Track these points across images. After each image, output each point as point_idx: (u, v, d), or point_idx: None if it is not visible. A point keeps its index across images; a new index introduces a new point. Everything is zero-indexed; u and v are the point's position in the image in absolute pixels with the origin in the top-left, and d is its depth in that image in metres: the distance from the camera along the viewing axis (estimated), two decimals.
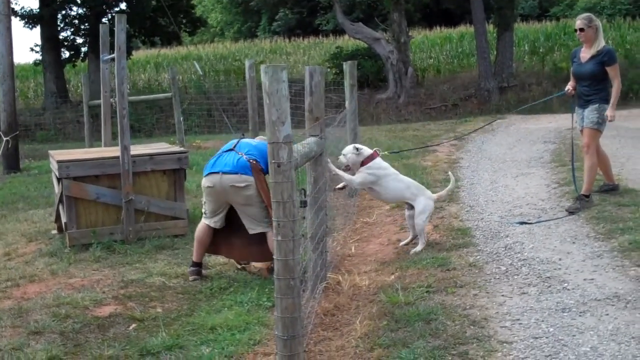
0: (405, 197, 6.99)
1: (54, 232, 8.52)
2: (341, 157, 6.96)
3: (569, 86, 8.17)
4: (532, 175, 10.14)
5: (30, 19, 27.79)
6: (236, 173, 6.24)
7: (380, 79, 26.59)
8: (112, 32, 8.68)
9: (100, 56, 9.99)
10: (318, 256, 5.70)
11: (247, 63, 15.26)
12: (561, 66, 25.44)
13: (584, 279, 5.57)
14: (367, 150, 6.92)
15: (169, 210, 8.19)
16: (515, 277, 5.76)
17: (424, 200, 6.91)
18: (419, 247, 6.79)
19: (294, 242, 4.16)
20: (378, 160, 6.92)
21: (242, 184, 6.21)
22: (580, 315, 4.83)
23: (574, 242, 6.59)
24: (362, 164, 6.84)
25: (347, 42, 34.51)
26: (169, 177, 8.24)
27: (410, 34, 26.39)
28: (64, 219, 7.96)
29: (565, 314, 4.89)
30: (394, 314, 5.12)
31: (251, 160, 6.29)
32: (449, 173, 7.66)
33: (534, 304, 5.12)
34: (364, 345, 4.69)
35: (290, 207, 4.13)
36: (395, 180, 6.95)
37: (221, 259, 7.22)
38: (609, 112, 7.78)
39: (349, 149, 6.96)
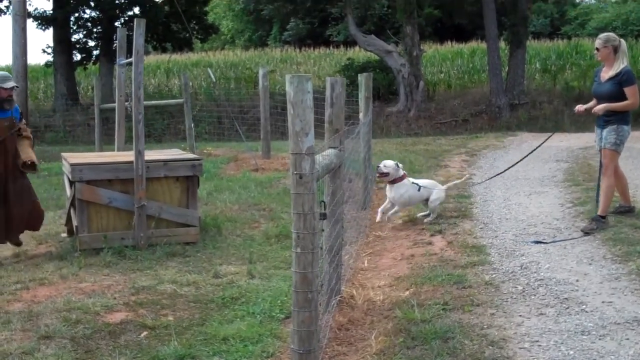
0: (424, 197, 8.65)
1: (64, 235, 8.48)
2: (382, 167, 8.55)
3: (589, 105, 8.11)
4: (546, 194, 10.06)
5: (43, 20, 27.84)
6: None
7: (391, 92, 26.58)
8: (128, 37, 8.64)
9: (117, 60, 9.97)
10: (333, 270, 5.63)
11: (260, 71, 15.26)
12: (573, 85, 25.43)
13: (602, 302, 5.49)
14: (400, 170, 8.60)
15: (181, 217, 8.14)
16: (533, 297, 5.69)
17: (437, 191, 8.68)
18: (430, 218, 8.64)
19: (313, 254, 4.12)
20: (407, 182, 8.59)
21: None
22: (600, 339, 4.76)
23: (590, 264, 6.51)
24: (395, 179, 8.51)
25: (357, 53, 34.54)
26: (182, 184, 8.20)
27: (422, 47, 26.36)
28: (75, 222, 7.92)
29: (584, 337, 4.81)
30: (410, 330, 5.04)
31: None
32: (466, 173, 9.23)
33: (553, 326, 5.04)
34: None
35: (310, 219, 4.08)
36: (414, 189, 8.58)
37: (233, 267, 7.18)
38: (596, 108, 7.85)
39: (391, 164, 8.60)
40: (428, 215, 8.71)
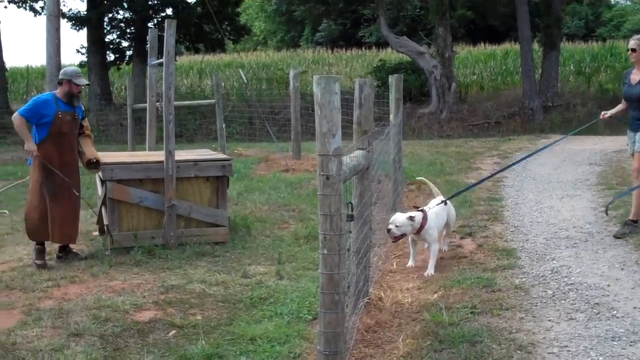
0: (443, 218, 7.26)
1: (96, 233, 8.56)
2: (393, 229, 6.68)
3: (617, 108, 7.98)
4: (578, 197, 9.96)
5: (77, 20, 28.13)
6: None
7: (423, 93, 26.47)
8: (159, 37, 8.70)
9: (148, 60, 10.04)
10: (361, 271, 5.62)
11: (291, 72, 15.29)
12: (607, 87, 25.13)
13: (634, 307, 5.42)
14: (419, 215, 6.77)
15: (211, 217, 8.17)
16: (563, 302, 5.63)
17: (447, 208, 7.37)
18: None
19: (339, 256, 4.11)
20: (431, 218, 6.86)
21: None
22: (630, 345, 4.70)
23: (622, 269, 6.43)
24: (420, 227, 6.76)
25: (389, 55, 34.46)
26: (212, 184, 8.23)
27: (454, 49, 26.22)
28: (106, 221, 7.98)
29: (615, 342, 4.75)
30: (438, 334, 5.02)
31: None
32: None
33: (583, 331, 4.99)
34: None
35: (337, 221, 4.08)
36: (440, 216, 7.12)
37: (261, 268, 7.19)
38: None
39: (402, 221, 6.69)
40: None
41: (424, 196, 10.29)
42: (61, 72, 7.70)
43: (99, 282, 6.70)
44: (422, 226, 6.75)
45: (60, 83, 7.53)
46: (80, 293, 6.33)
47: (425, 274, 6.69)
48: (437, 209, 7.05)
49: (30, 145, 7.27)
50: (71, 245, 7.76)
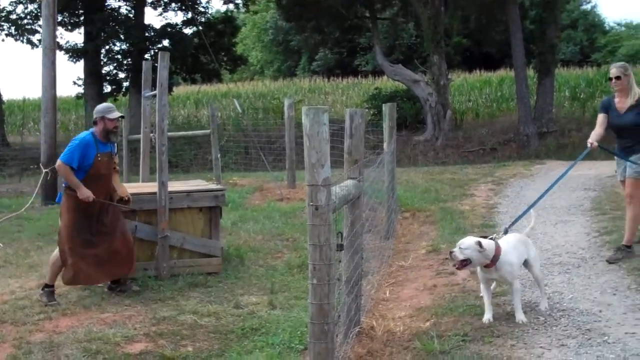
0: (523, 253, 6.13)
1: None
2: (458, 251, 5.80)
3: (591, 140, 7.75)
4: (572, 222, 9.96)
5: (74, 53, 28.31)
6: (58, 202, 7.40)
7: (419, 120, 26.59)
8: (154, 69, 8.75)
9: (142, 92, 10.08)
10: (352, 300, 5.61)
11: (286, 102, 15.35)
12: None
13: (625, 333, 5.41)
14: (490, 245, 5.80)
15: (204, 248, 8.17)
16: (554, 328, 5.62)
17: (532, 245, 6.29)
18: (546, 299, 6.20)
19: (329, 286, 4.12)
20: (505, 250, 5.87)
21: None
22: None
23: (614, 294, 6.42)
24: (495, 257, 5.76)
25: (385, 83, 34.65)
26: (205, 215, 8.24)
27: (449, 76, 26.36)
28: None
29: None
30: None
31: (64, 186, 7.17)
32: (531, 211, 6.80)
33: (573, 357, 4.98)
34: None
35: (326, 251, 4.09)
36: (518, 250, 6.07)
37: (254, 298, 7.18)
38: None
39: (469, 243, 5.77)
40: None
41: (418, 224, 10.31)
42: (94, 111, 7.42)
43: (90, 314, 6.69)
44: (496, 257, 5.77)
45: (95, 122, 7.31)
46: (71, 325, 6.32)
47: (517, 320, 5.81)
48: (513, 241, 6.09)
49: (84, 192, 7.02)
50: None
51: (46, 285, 7.24)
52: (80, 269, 7.13)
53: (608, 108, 7.83)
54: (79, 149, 7.08)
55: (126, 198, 7.52)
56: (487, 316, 5.83)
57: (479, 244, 5.69)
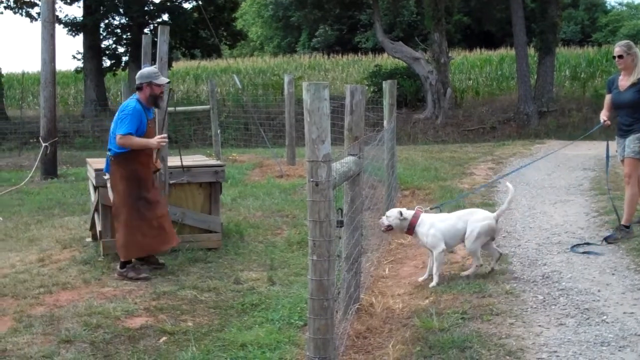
0: (462, 229, 6.60)
1: (89, 239, 8.55)
2: (384, 219, 6.71)
3: (604, 116, 7.92)
4: (571, 202, 9.98)
5: (73, 26, 28.19)
6: (106, 172, 7.24)
7: (419, 98, 26.52)
8: (154, 43, 8.70)
9: (142, 66, 10.01)
10: (352, 277, 5.62)
11: (286, 78, 15.32)
12: (602, 92, 25.07)
13: (624, 312, 5.43)
14: (409, 213, 6.66)
15: (204, 223, 8.17)
16: (553, 307, 5.64)
17: (474, 220, 6.60)
18: (470, 271, 6.65)
19: (329, 262, 4.11)
20: (424, 217, 6.66)
21: (107, 178, 7.23)
22: (619, 350, 4.70)
23: (613, 274, 6.44)
24: (411, 226, 6.61)
25: (385, 60, 34.52)
26: (205, 190, 8.23)
27: (450, 54, 26.27)
28: (99, 227, 7.98)
29: (604, 347, 4.76)
30: (428, 339, 5.03)
31: (110, 156, 7.06)
32: (507, 184, 7.15)
33: (572, 336, 5.00)
34: None
35: (327, 227, 4.09)
36: (447, 220, 6.69)
37: (254, 274, 7.20)
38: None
39: (393, 213, 6.68)
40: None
41: (417, 202, 10.30)
42: (138, 75, 7.21)
43: (90, 288, 6.70)
44: (412, 226, 6.60)
45: (139, 88, 7.11)
46: (71, 299, 6.33)
47: (430, 284, 6.41)
48: (444, 216, 6.81)
49: (153, 142, 6.97)
50: (65, 253, 7.73)
51: (122, 264, 7.13)
52: (136, 241, 7.06)
53: (611, 86, 7.87)
54: (134, 117, 6.92)
55: (159, 168, 7.51)
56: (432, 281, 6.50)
57: (400, 213, 6.64)
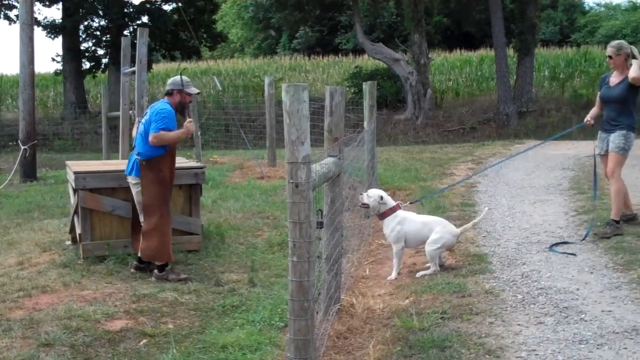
0: (425, 235, 6.95)
1: (68, 242, 8.50)
2: (364, 196, 7.08)
3: (589, 116, 8.16)
4: (551, 202, 10.05)
5: (52, 29, 28.03)
6: (130, 175, 7.20)
7: (399, 99, 26.61)
8: (133, 45, 8.69)
9: (121, 69, 10.01)
10: (332, 278, 5.64)
11: (266, 80, 15.34)
12: (581, 93, 25.37)
13: (602, 311, 5.48)
14: (390, 202, 7.08)
15: (184, 225, 8.15)
16: (532, 306, 5.68)
17: (440, 229, 6.92)
18: (427, 271, 6.88)
19: (309, 263, 4.12)
20: (400, 213, 7.07)
21: (134, 182, 7.16)
22: (597, 348, 4.75)
23: (592, 272, 6.49)
24: (384, 214, 7.03)
25: (366, 61, 34.60)
26: (185, 192, 8.21)
27: (430, 55, 26.38)
28: (78, 230, 7.94)
29: (582, 346, 4.80)
30: (408, 339, 5.05)
31: (140, 160, 7.02)
32: (485, 209, 7.67)
33: (551, 335, 5.03)
34: None
35: (306, 228, 4.09)
36: (413, 222, 7.06)
37: (234, 275, 7.20)
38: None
39: (375, 194, 7.07)
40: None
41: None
42: (170, 81, 7.33)
43: (70, 291, 6.66)
44: (385, 214, 7.01)
45: (169, 94, 7.22)
46: (51, 303, 6.30)
47: (388, 277, 6.90)
48: (420, 218, 7.19)
49: (184, 129, 7.07)
50: (44, 256, 7.70)
51: (160, 267, 7.14)
52: (169, 243, 7.14)
53: (602, 83, 8.18)
54: (169, 119, 7.01)
55: None
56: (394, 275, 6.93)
57: (381, 197, 7.00)
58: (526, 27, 24.17)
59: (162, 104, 7.16)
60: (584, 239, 7.66)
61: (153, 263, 7.29)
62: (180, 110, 7.23)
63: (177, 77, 7.36)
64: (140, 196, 7.18)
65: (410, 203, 8.04)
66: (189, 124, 7.11)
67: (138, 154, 7.13)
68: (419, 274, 6.84)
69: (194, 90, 7.31)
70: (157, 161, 7.04)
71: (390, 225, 6.98)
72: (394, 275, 6.89)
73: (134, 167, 7.22)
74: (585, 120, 8.22)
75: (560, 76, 30.29)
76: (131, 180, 7.30)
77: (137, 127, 7.36)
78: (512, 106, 23.45)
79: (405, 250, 7.22)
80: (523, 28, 24.24)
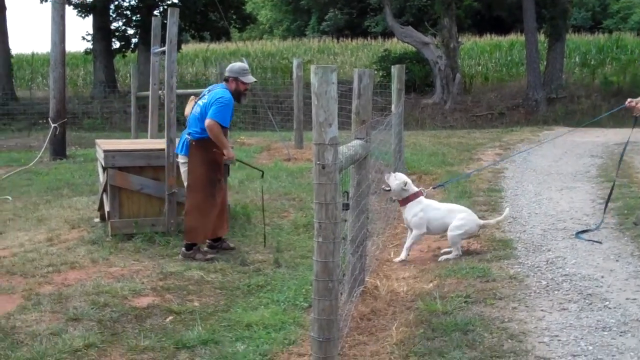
0: (449, 222, 6.96)
1: (97, 220, 8.61)
2: (392, 177, 7.10)
3: (635, 100, 7.66)
4: (578, 189, 9.99)
5: (83, 8, 28.19)
6: (180, 153, 7.33)
7: (427, 84, 26.48)
8: (163, 25, 8.71)
9: (151, 49, 10.06)
10: (357, 260, 5.67)
11: (294, 62, 15.32)
12: (612, 80, 25.08)
13: (626, 298, 5.46)
14: (413, 189, 7.08)
15: None
16: (556, 292, 5.68)
17: (465, 216, 6.99)
18: (450, 255, 6.91)
19: (334, 244, 4.15)
20: (422, 199, 7.09)
21: (182, 161, 7.31)
22: (620, 335, 4.74)
23: (617, 260, 6.47)
24: (406, 199, 7.04)
25: (395, 45, 34.41)
26: None
27: (459, 40, 26.21)
28: (107, 208, 8.04)
29: (605, 333, 4.80)
30: (431, 322, 5.08)
31: (191, 140, 7.12)
32: (507, 209, 7.55)
33: (574, 321, 5.04)
34: (399, 352, 4.66)
35: (332, 209, 4.12)
36: (438, 210, 7.10)
37: (260, 256, 7.26)
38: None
39: (401, 178, 7.07)
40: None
41: (424, 187, 10.32)
42: (227, 69, 7.40)
43: (98, 268, 6.77)
44: (408, 199, 7.01)
45: (226, 80, 7.32)
46: (79, 279, 6.40)
47: (397, 259, 6.98)
48: (444, 206, 7.26)
49: (230, 153, 7.19)
50: (73, 233, 7.81)
51: (188, 246, 7.23)
52: (205, 225, 7.20)
53: None
54: (229, 109, 7.13)
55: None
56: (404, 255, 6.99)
57: (405, 183, 6.99)
58: (558, 12, 23.92)
59: (222, 91, 7.21)
60: (597, 228, 7.61)
61: (225, 240, 7.53)
62: (237, 97, 7.28)
63: (236, 64, 7.46)
64: (187, 175, 7.26)
65: (433, 188, 8.06)
66: (231, 156, 7.26)
67: (189, 134, 7.23)
68: (441, 258, 6.89)
69: (250, 79, 7.36)
70: (207, 141, 7.09)
71: (413, 211, 6.99)
72: (403, 256, 6.96)
73: (184, 146, 7.32)
74: (627, 101, 7.70)
75: (591, 63, 29.95)
76: (180, 159, 7.42)
77: (193, 108, 7.41)
78: (541, 92, 23.26)
79: (430, 235, 7.25)
80: (555, 13, 23.99)
